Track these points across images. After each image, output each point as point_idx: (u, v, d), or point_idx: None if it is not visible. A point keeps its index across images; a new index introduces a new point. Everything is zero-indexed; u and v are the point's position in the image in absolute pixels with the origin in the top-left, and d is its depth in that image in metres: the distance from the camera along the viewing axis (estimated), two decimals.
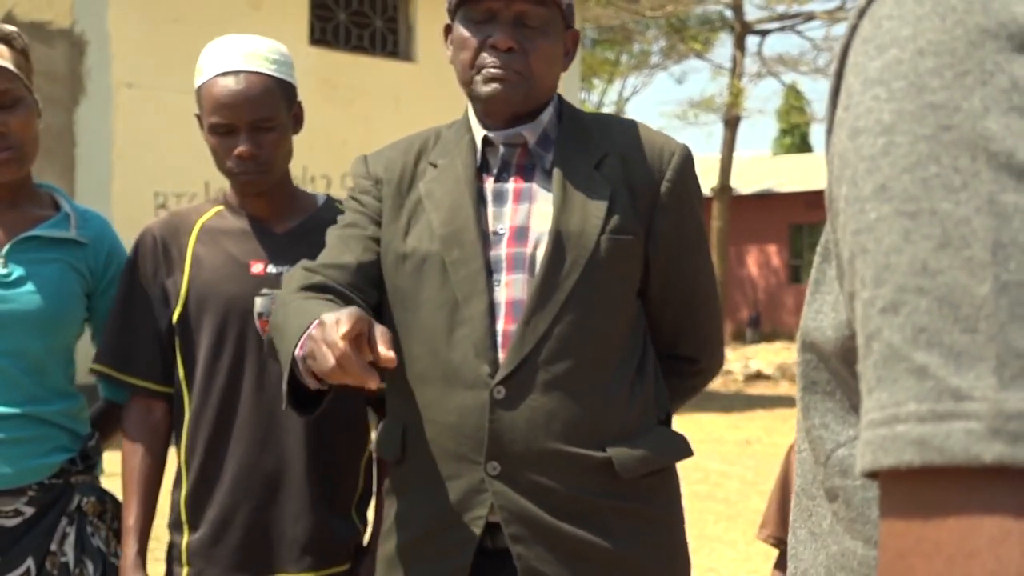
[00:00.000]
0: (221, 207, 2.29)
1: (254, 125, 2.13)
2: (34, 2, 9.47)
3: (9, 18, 8.75)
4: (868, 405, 0.52)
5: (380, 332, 1.57)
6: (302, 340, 1.66)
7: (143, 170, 10.15)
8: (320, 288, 1.86)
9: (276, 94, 2.15)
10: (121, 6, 10.00)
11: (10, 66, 2.14)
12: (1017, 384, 0.47)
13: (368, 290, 1.93)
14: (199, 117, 2.20)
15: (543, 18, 1.89)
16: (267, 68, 2.15)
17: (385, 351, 1.54)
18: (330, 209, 2.29)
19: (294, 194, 2.30)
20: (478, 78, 1.89)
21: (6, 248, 2.20)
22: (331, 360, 1.52)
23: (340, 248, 1.96)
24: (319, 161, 10.46)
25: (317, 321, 1.61)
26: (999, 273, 0.49)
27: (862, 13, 0.59)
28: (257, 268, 2.20)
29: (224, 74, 2.13)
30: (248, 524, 2.17)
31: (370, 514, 2.30)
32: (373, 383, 1.54)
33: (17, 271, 2.19)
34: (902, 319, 0.51)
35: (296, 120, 2.24)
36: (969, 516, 0.48)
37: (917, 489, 0.50)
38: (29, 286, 2.19)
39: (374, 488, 2.30)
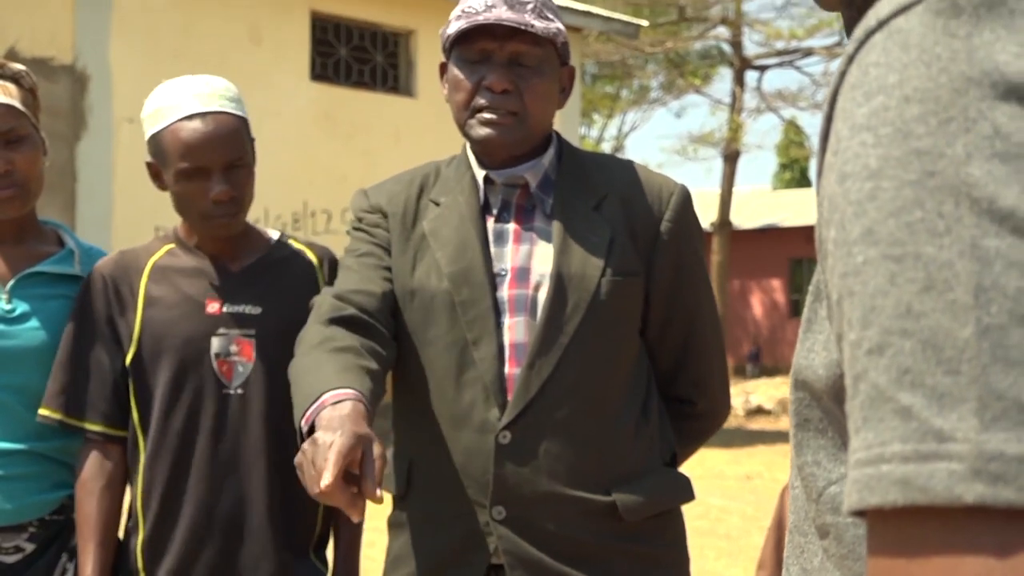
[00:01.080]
0: (172, 245, 2.22)
1: (229, 165, 2.07)
2: (36, 38, 9.52)
3: (12, 54, 8.80)
4: (855, 444, 0.53)
5: (375, 457, 1.52)
6: (308, 414, 1.62)
7: (144, 204, 10.11)
8: (349, 321, 1.82)
9: (243, 132, 2.11)
10: (123, 42, 10.05)
11: (17, 104, 2.16)
12: (998, 426, 0.48)
13: (391, 320, 1.90)
14: (151, 166, 2.12)
15: (538, 58, 1.86)
16: (229, 107, 2.09)
17: (371, 491, 1.49)
18: (283, 247, 2.24)
19: (249, 232, 2.23)
20: (473, 121, 1.87)
21: (10, 284, 2.21)
22: (316, 489, 1.48)
23: (366, 274, 1.91)
24: (319, 196, 10.48)
25: (311, 438, 1.54)
26: (981, 316, 0.49)
27: (850, 59, 0.60)
28: (213, 307, 2.13)
29: (190, 117, 2.05)
30: (208, 570, 2.10)
31: (329, 555, 2.25)
32: (356, 516, 1.50)
33: (21, 307, 2.20)
34: (887, 360, 0.52)
35: (253, 157, 2.16)
36: (952, 555, 0.49)
37: (902, 528, 0.51)
38: (33, 322, 2.20)
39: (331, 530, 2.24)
